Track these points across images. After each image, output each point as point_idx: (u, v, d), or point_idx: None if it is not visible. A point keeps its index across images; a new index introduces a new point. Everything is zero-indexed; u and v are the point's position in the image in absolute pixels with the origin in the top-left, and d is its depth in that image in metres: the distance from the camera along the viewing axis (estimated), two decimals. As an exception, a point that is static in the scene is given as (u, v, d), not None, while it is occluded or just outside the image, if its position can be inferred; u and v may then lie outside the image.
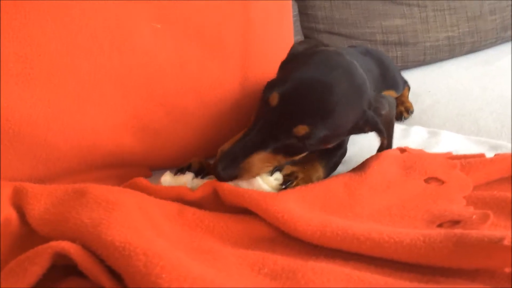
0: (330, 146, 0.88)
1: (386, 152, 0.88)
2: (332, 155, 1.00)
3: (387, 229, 0.64)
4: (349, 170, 1.01)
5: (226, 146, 0.81)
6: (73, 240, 0.63)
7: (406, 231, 0.63)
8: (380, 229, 0.64)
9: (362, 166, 0.85)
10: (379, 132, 0.89)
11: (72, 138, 0.87)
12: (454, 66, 1.83)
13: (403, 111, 1.46)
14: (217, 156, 0.80)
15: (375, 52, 1.49)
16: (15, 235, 0.70)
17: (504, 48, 1.97)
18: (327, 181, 0.80)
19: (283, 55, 1.02)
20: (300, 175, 0.87)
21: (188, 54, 1.04)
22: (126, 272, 0.54)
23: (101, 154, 0.92)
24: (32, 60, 0.83)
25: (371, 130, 0.88)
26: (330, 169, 0.99)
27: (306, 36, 1.72)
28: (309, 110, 0.78)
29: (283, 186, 0.83)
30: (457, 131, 1.32)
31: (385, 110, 0.88)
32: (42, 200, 0.72)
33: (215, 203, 0.78)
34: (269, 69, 1.07)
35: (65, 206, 0.70)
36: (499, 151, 1.08)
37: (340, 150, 1.03)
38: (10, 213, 0.71)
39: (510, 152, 1.07)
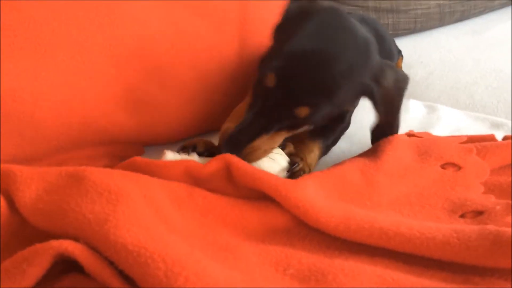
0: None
1: (398, 137, 0.84)
2: (331, 131, 0.95)
3: (416, 223, 0.60)
4: (352, 148, 0.98)
5: (228, 128, 0.76)
6: (74, 237, 0.57)
7: (436, 225, 0.59)
8: (409, 224, 0.60)
9: (375, 151, 0.81)
10: (375, 105, 0.80)
11: (61, 114, 0.79)
12: (443, 35, 1.78)
13: None
14: (220, 141, 0.76)
15: (371, 20, 1.42)
16: (5, 225, 0.63)
17: (492, 17, 1.94)
18: (343, 168, 0.76)
19: None
20: (303, 156, 0.83)
21: (183, 22, 0.96)
22: (143, 281, 0.48)
23: (92, 131, 0.84)
24: (15, 27, 0.73)
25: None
26: (327, 147, 0.94)
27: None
28: (309, 89, 0.71)
29: (291, 167, 0.79)
30: (453, 105, 1.30)
31: (387, 81, 0.79)
32: (32, 186, 0.65)
33: (226, 181, 0.72)
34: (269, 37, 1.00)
35: (61, 194, 0.62)
36: (500, 129, 1.06)
37: (341, 124, 0.98)
38: (-3, 201, 0.63)
39: (511, 130, 1.06)
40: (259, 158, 0.76)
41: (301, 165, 0.80)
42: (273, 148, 0.78)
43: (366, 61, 0.76)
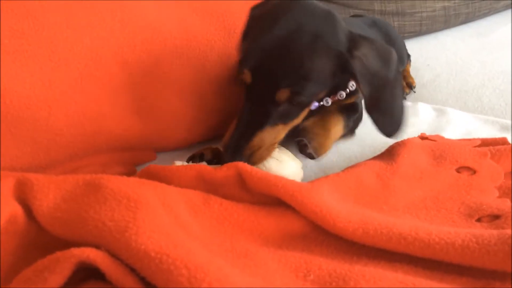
0: (322, 95, 0.83)
1: (412, 140, 0.84)
2: (352, 112, 0.97)
3: (434, 228, 0.60)
4: (364, 150, 0.98)
5: (226, 137, 0.78)
6: (94, 244, 0.57)
7: (455, 230, 0.59)
8: (427, 228, 0.60)
9: (390, 154, 0.81)
10: (356, 80, 0.78)
11: (75, 121, 0.79)
12: (449, 38, 1.79)
13: (405, 87, 1.42)
14: (223, 150, 0.77)
15: (383, 24, 1.42)
16: (23, 233, 0.64)
17: (496, 19, 1.94)
18: (358, 170, 0.76)
19: None
20: (315, 131, 0.83)
21: (193, 27, 0.96)
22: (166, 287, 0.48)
23: (105, 137, 0.84)
24: (29, 35, 0.73)
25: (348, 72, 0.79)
26: (351, 126, 0.96)
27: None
28: (281, 71, 0.73)
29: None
30: (461, 108, 1.30)
31: (361, 52, 0.77)
32: (50, 194, 0.65)
33: (240, 187, 0.72)
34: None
35: (79, 202, 0.63)
36: (510, 132, 1.06)
37: (354, 114, 0.99)
38: (15, 209, 0.63)
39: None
40: (263, 157, 0.78)
41: (307, 140, 0.81)
42: (274, 144, 0.79)
43: (330, 30, 0.76)
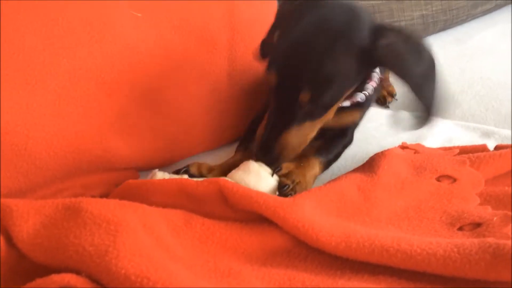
0: (351, 90, 0.84)
1: (392, 151, 0.84)
2: (333, 146, 0.97)
3: (416, 239, 0.60)
4: (347, 163, 0.98)
5: (259, 134, 0.81)
6: (75, 269, 0.56)
7: (436, 240, 0.60)
8: (409, 240, 0.60)
9: (370, 166, 0.81)
10: (388, 66, 0.82)
11: (55, 144, 0.78)
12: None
13: (386, 96, 1.43)
14: (255, 150, 0.81)
15: None
16: (3, 260, 0.63)
17: (474, 25, 1.96)
18: (339, 183, 0.76)
19: None
20: (297, 178, 0.83)
21: (173, 45, 0.96)
22: (149, 311, 0.48)
23: (86, 159, 0.84)
24: (5, 59, 0.73)
25: (376, 65, 0.84)
26: (329, 163, 0.95)
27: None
28: (302, 75, 0.74)
29: (281, 189, 0.79)
30: (442, 116, 1.31)
31: (386, 40, 0.75)
32: (29, 220, 0.64)
33: (222, 204, 0.72)
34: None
35: (59, 227, 0.62)
36: (491, 138, 1.07)
37: (344, 139, 0.99)
38: (-5, 238, 0.62)
39: (502, 138, 1.07)
40: (292, 155, 0.80)
41: (291, 187, 0.80)
42: (304, 142, 0.82)
43: (353, 26, 0.75)
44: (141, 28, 0.92)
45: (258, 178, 0.78)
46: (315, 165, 0.90)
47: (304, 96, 0.74)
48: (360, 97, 0.90)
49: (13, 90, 0.73)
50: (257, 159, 0.79)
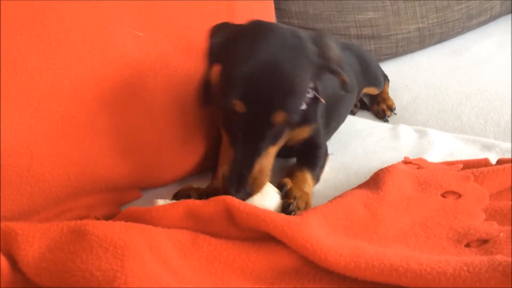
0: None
1: (396, 166, 0.85)
2: (315, 158, 0.98)
3: (425, 257, 0.60)
4: (350, 178, 0.98)
5: (224, 170, 0.78)
6: (82, 295, 0.56)
7: (445, 258, 0.59)
8: (418, 258, 0.60)
9: (375, 182, 0.81)
10: (334, 73, 0.84)
11: (58, 166, 0.78)
12: (424, 58, 1.82)
13: (385, 110, 1.44)
14: (222, 185, 0.77)
15: (355, 47, 1.45)
16: (8, 285, 0.61)
17: (470, 37, 1.99)
18: (345, 200, 0.76)
19: None
20: (297, 194, 0.83)
21: (174, 62, 0.97)
22: None
23: (90, 180, 0.83)
24: (7, 80, 0.73)
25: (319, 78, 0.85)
26: (318, 174, 0.96)
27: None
28: (273, 96, 0.74)
29: (286, 208, 0.79)
30: (441, 128, 1.32)
31: (332, 51, 0.83)
32: (35, 244, 0.64)
33: (228, 223, 0.71)
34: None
35: (65, 251, 0.61)
36: (492, 151, 1.08)
37: (319, 150, 1.00)
38: (0, 262, 0.62)
39: (502, 151, 1.07)
40: (264, 183, 0.79)
41: (295, 204, 0.80)
42: (270, 168, 0.80)
43: (302, 44, 0.79)
44: (142, 47, 0.92)
45: (261, 195, 0.78)
46: (308, 178, 0.91)
47: (279, 116, 0.74)
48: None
49: (16, 111, 0.73)
50: (228, 193, 0.75)
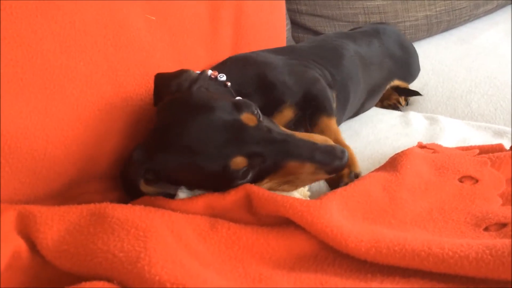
0: None
1: (413, 150, 0.84)
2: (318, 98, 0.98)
3: (446, 241, 0.60)
4: (364, 164, 0.97)
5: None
6: (104, 277, 0.56)
7: (467, 242, 0.59)
8: (439, 242, 0.59)
9: (392, 166, 0.81)
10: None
11: (74, 149, 0.77)
12: (432, 46, 1.81)
13: (398, 102, 1.42)
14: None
15: (391, 32, 1.39)
16: (27, 268, 0.61)
17: (477, 25, 1.98)
18: (364, 183, 0.75)
19: (274, 42, 0.94)
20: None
21: (185, 48, 0.96)
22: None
23: (105, 164, 0.83)
24: (23, 63, 0.71)
25: None
26: (328, 109, 0.97)
27: (291, 19, 1.66)
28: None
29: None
30: (451, 115, 1.32)
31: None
32: (54, 227, 0.63)
33: (247, 210, 0.71)
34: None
35: (85, 234, 0.61)
36: (504, 137, 1.08)
37: (315, 96, 0.98)
38: (18, 245, 0.61)
39: (514, 137, 1.07)
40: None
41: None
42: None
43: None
44: (156, 31, 0.91)
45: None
46: (331, 122, 0.91)
47: (241, 161, 0.71)
48: None
49: (31, 94, 0.72)
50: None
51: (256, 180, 0.73)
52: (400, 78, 1.37)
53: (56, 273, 0.61)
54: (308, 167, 0.71)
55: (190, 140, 0.70)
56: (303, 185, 0.78)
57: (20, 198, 0.73)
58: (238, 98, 0.82)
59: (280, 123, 0.87)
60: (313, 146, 0.71)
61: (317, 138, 0.74)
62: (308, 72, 0.99)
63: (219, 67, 0.96)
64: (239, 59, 1.01)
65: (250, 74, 0.95)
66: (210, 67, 0.96)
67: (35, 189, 0.74)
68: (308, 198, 0.82)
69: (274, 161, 0.71)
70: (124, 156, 0.84)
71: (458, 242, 0.60)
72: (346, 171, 0.82)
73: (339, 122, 1.16)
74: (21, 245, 0.61)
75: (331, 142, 0.73)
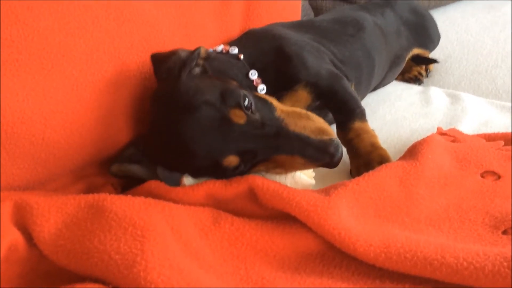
0: None
1: (434, 137, 0.80)
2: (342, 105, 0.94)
3: (461, 249, 0.56)
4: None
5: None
6: (99, 278, 0.54)
7: (483, 251, 0.55)
8: (454, 251, 0.56)
9: (413, 154, 0.76)
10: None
11: (73, 132, 0.74)
12: (458, 12, 1.72)
13: (419, 74, 1.35)
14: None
15: (402, 3, 1.33)
16: (24, 261, 0.60)
17: (507, -10, 1.85)
18: (380, 175, 0.71)
19: (287, 16, 0.96)
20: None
21: (193, 22, 0.91)
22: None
23: (107, 146, 0.80)
24: (19, 42, 0.68)
25: None
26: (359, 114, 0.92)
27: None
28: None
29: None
30: (474, 91, 1.25)
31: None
32: (51, 219, 0.61)
33: (251, 202, 0.69)
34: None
35: (82, 229, 0.59)
36: (529, 120, 1.02)
37: (339, 94, 0.94)
38: (15, 237, 0.60)
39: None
40: None
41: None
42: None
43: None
44: (159, 7, 0.86)
45: (295, 182, 0.75)
46: (366, 126, 0.89)
47: (231, 160, 0.70)
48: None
49: (28, 75, 0.68)
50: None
51: (249, 168, 0.73)
52: (419, 46, 1.33)
53: (54, 266, 0.60)
54: (299, 160, 0.70)
55: (180, 142, 0.69)
56: (296, 171, 0.76)
57: (19, 183, 0.71)
58: (251, 71, 0.86)
59: (294, 104, 0.85)
60: (306, 140, 0.70)
61: (312, 126, 0.72)
62: (328, 64, 0.96)
63: (236, 42, 0.94)
64: (256, 32, 1.00)
65: (266, 47, 0.93)
66: (228, 43, 0.93)
67: (34, 174, 0.72)
68: (313, 179, 0.80)
69: (265, 155, 0.71)
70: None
71: (474, 250, 0.56)
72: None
73: (363, 97, 1.13)
74: (18, 238, 0.60)
75: (328, 133, 0.72)
